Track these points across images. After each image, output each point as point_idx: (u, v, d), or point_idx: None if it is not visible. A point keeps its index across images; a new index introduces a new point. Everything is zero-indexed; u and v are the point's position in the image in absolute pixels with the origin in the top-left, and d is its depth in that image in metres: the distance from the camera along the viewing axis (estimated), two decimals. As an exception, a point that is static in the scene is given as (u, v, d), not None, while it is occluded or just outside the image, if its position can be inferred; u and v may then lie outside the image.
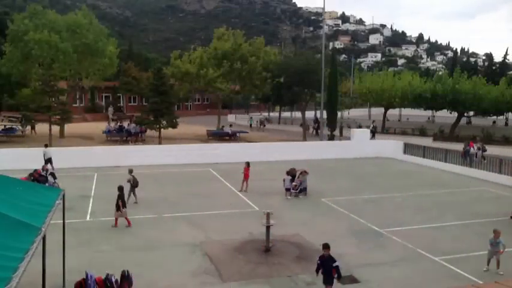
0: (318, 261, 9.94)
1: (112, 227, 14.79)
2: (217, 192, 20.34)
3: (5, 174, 10.53)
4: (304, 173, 20.00)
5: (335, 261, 9.66)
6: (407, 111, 63.45)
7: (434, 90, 40.56)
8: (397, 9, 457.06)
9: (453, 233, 14.98)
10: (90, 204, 17.73)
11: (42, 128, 33.89)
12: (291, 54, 50.91)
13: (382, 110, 50.47)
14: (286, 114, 64.02)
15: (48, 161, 22.36)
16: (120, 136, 35.75)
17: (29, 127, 35.79)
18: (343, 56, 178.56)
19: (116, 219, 14.90)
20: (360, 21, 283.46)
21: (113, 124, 38.77)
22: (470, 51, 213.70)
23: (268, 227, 12.92)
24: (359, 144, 31.74)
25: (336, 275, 9.64)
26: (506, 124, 55.42)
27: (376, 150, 31.56)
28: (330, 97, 39.51)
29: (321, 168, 25.67)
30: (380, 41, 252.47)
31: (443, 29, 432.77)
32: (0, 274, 5.40)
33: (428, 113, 58.99)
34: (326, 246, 9.86)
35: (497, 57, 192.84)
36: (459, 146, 29.68)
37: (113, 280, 9.84)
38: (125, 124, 38.64)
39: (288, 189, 19.50)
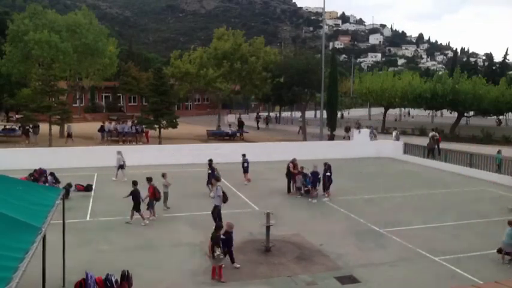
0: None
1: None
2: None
3: (5, 174, 10.53)
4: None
5: None
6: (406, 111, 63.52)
7: (434, 90, 40.58)
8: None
9: (453, 233, 14.97)
10: (90, 204, 17.73)
11: (42, 128, 33.82)
12: (291, 54, 50.84)
13: (382, 109, 50.51)
14: (286, 114, 64.06)
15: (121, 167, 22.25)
16: (119, 136, 35.66)
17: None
18: (343, 56, 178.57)
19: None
20: (360, 21, 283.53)
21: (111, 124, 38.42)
22: (470, 51, 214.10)
23: (268, 227, 12.93)
24: (359, 144, 31.75)
25: None
26: (499, 124, 55.08)
27: (376, 150, 31.57)
28: (330, 97, 39.53)
29: (321, 169, 25.63)
30: (380, 41, 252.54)
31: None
32: (0, 274, 5.40)
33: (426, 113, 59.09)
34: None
35: (497, 57, 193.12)
36: (459, 146, 29.68)
37: (113, 280, 9.85)
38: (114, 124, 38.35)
39: (299, 189, 19.63)
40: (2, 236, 6.29)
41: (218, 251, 10.77)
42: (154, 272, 11.43)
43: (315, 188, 19.16)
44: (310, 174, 19.32)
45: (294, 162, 20.25)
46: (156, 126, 34.19)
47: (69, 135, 33.91)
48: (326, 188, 19.32)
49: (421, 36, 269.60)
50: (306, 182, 19.50)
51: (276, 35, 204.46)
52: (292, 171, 20.04)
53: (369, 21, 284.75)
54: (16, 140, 34.05)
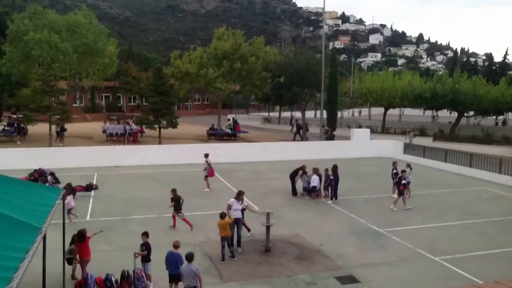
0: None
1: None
2: (217, 192, 20.33)
3: (5, 174, 10.53)
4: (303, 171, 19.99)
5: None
6: (407, 111, 63.51)
7: (434, 90, 40.53)
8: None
9: (453, 233, 14.97)
10: (90, 204, 17.74)
11: (42, 128, 33.83)
12: (291, 54, 50.81)
13: (382, 109, 50.46)
14: (286, 114, 64.05)
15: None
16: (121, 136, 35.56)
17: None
18: (343, 56, 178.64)
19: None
20: (360, 21, 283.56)
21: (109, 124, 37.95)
22: (470, 51, 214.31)
23: (268, 227, 12.93)
24: (359, 144, 31.73)
25: None
26: (497, 124, 54.95)
27: (376, 150, 31.56)
28: (330, 97, 39.48)
29: (321, 169, 25.62)
30: (380, 41, 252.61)
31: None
32: (1, 274, 5.41)
33: (427, 113, 59.01)
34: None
35: (497, 57, 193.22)
36: (459, 146, 29.65)
37: (113, 280, 9.85)
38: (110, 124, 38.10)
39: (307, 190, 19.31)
40: (3, 236, 6.30)
41: None
42: (155, 272, 11.42)
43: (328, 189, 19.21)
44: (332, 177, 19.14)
45: (303, 169, 20.12)
46: (156, 126, 34.19)
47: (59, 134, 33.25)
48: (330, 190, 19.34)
49: (421, 36, 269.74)
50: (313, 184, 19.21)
51: (276, 35, 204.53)
52: (300, 172, 19.87)
53: (369, 21, 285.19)
54: (15, 140, 34.03)
